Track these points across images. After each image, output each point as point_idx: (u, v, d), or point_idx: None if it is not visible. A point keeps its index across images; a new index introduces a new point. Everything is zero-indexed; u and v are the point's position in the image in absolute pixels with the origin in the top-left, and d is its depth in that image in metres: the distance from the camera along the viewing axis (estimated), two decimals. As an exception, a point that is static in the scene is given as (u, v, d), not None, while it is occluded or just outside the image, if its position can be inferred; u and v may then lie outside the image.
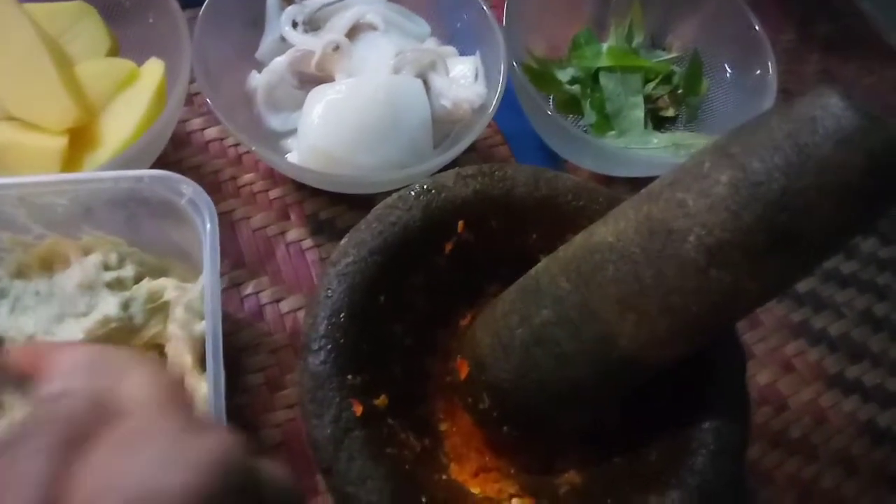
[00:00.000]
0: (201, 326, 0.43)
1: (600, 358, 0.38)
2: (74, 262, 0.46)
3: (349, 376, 0.40)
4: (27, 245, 0.47)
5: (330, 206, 0.61)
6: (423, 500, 0.37)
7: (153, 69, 0.55)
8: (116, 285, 0.46)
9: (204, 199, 0.44)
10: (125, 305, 0.45)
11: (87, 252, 0.47)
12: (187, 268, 0.48)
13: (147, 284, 0.46)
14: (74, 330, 0.43)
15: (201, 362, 0.43)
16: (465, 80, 0.59)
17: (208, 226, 0.44)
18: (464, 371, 0.45)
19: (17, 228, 0.46)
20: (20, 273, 0.47)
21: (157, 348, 0.46)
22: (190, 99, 0.64)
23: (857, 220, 0.31)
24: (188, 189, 0.45)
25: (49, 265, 0.48)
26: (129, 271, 0.47)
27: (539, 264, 0.42)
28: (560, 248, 0.41)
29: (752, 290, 0.33)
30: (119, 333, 0.44)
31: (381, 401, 0.41)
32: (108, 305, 0.44)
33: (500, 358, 0.42)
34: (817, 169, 0.30)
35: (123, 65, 0.55)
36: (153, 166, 0.54)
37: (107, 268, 0.47)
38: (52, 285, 0.46)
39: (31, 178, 0.44)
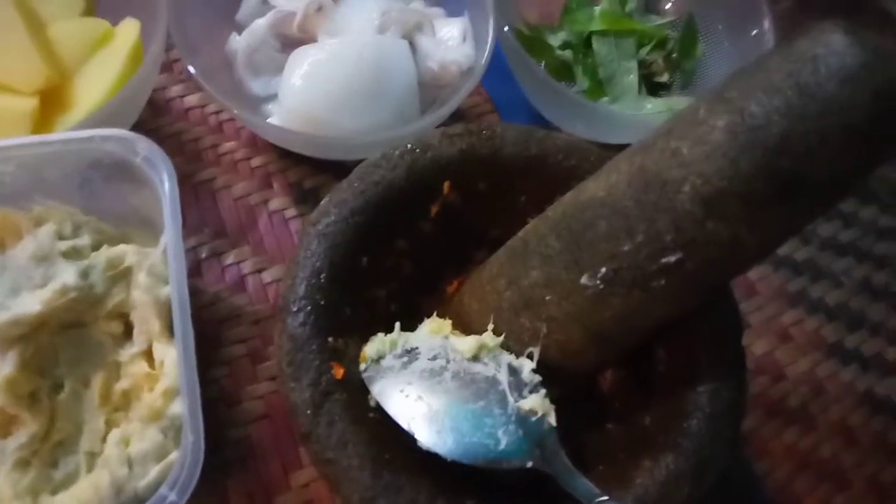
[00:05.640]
0: (167, 290, 0.41)
1: (591, 319, 0.37)
2: (26, 235, 0.44)
3: (330, 339, 0.38)
4: None
5: (314, 175, 0.59)
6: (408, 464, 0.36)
7: (128, 29, 0.53)
8: (73, 254, 0.43)
9: (160, 156, 0.42)
10: (84, 274, 0.42)
11: (39, 223, 0.44)
12: (148, 235, 0.45)
13: (106, 252, 0.44)
14: (31, 302, 0.40)
15: (170, 328, 0.41)
16: (452, 42, 0.57)
17: (167, 184, 0.41)
18: None
19: (-38, 203, 0.43)
20: (-34, 251, 0.44)
21: (122, 317, 0.44)
22: (169, 66, 0.62)
23: (862, 164, 0.29)
24: (143, 146, 0.42)
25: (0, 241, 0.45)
26: (85, 240, 0.44)
27: (527, 226, 0.41)
28: (549, 208, 0.39)
29: (750, 244, 0.32)
30: (79, 304, 0.42)
31: (365, 366, 0.39)
32: (66, 275, 0.41)
33: (488, 323, 0.40)
34: (820, 111, 0.28)
35: (97, 25, 0.53)
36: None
37: (61, 237, 0.44)
38: (4, 259, 0.43)
39: None
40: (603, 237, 0.35)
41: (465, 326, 0.42)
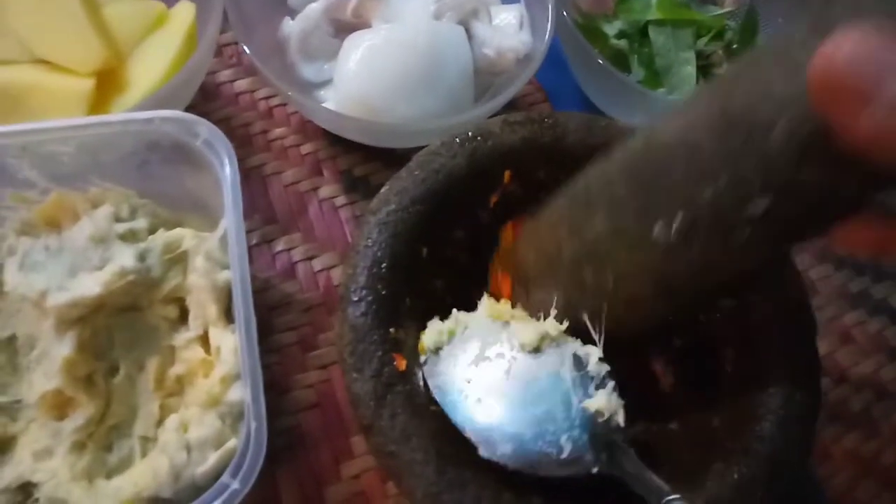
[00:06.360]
0: (224, 275, 0.40)
1: (663, 272, 0.33)
2: (83, 216, 0.43)
3: (391, 329, 0.37)
4: (31, 202, 0.44)
5: (364, 163, 0.58)
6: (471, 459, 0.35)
7: (183, 12, 0.52)
8: (130, 237, 0.43)
9: (221, 140, 0.41)
10: (141, 256, 0.41)
11: (96, 205, 0.44)
12: (203, 219, 0.45)
13: (163, 235, 0.43)
14: (90, 284, 0.40)
15: (226, 313, 0.41)
16: (508, 29, 0.56)
17: (227, 167, 0.40)
18: (506, 290, 0.42)
19: (19, 183, 0.42)
20: (25, 232, 0.44)
21: (177, 302, 0.43)
22: (220, 50, 0.61)
23: None
24: (203, 130, 0.41)
25: (56, 222, 0.44)
26: (142, 223, 0.44)
27: (589, 170, 0.37)
28: (613, 151, 0.36)
29: (848, 193, 0.27)
30: (136, 287, 0.41)
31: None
32: (124, 257, 0.41)
33: (547, 276, 0.38)
34: None
35: (153, 7, 0.53)
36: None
37: (118, 220, 0.43)
38: (62, 240, 0.42)
39: (33, 124, 0.41)
40: (679, 183, 0.31)
41: (520, 279, 0.40)
